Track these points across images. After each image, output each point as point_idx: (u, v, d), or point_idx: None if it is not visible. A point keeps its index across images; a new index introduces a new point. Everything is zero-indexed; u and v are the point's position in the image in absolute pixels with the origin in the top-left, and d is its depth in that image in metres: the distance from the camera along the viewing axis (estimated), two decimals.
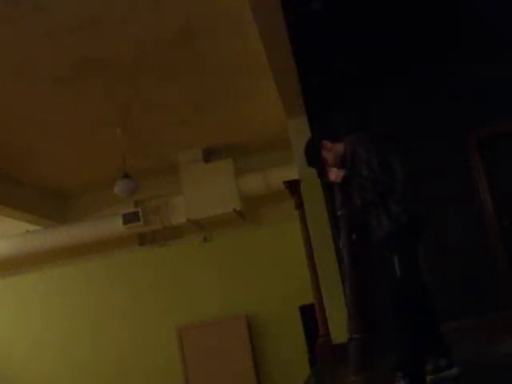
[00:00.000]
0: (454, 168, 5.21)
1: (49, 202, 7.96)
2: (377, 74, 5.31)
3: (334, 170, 3.21)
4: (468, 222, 5.11)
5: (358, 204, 3.10)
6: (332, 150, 3.25)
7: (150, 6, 4.31)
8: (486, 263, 5.04)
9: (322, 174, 3.33)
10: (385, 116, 5.23)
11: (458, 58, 5.25)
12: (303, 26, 4.75)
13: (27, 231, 7.74)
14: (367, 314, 3.17)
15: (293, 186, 5.43)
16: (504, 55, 5.20)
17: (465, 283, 4.88)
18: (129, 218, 7.32)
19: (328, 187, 5.30)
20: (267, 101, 5.88)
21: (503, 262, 5.10)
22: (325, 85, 5.32)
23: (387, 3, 5.06)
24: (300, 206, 5.39)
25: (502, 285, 5.03)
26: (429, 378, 2.92)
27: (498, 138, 5.27)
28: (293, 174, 5.64)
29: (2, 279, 8.08)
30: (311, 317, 5.58)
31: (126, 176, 6.53)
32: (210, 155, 7.53)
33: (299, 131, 5.51)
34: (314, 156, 3.30)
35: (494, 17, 5.20)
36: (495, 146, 5.30)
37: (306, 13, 4.78)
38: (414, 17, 5.17)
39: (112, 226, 7.47)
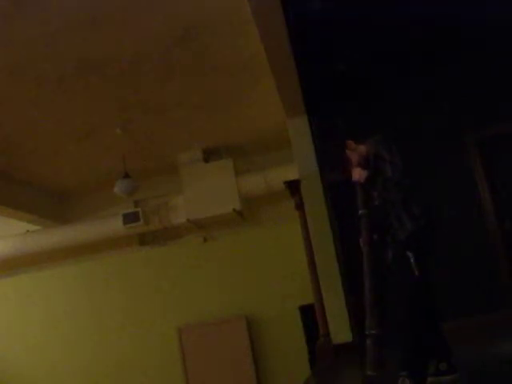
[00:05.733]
0: (454, 168, 5.22)
1: (49, 202, 7.96)
2: (377, 73, 5.31)
3: (358, 169, 3.24)
4: (468, 222, 5.11)
5: (377, 204, 3.14)
6: (356, 150, 3.27)
7: (150, 6, 4.31)
8: (486, 263, 5.05)
9: (345, 173, 3.36)
10: (385, 116, 5.23)
11: (458, 58, 5.25)
12: (303, 25, 4.74)
13: (27, 231, 7.74)
14: (384, 311, 3.20)
15: (293, 186, 5.43)
16: (504, 55, 5.20)
17: (465, 283, 4.89)
18: (129, 218, 7.32)
19: (330, 187, 5.32)
20: (267, 101, 5.87)
21: (503, 262, 5.10)
22: (325, 85, 5.32)
23: (387, 3, 5.05)
24: (300, 206, 5.39)
25: (502, 285, 5.03)
26: (429, 380, 2.92)
27: (498, 138, 5.27)
28: (293, 174, 5.64)
29: (2, 279, 8.08)
30: (311, 317, 5.58)
31: (126, 176, 6.54)
32: (209, 155, 7.52)
33: (299, 131, 5.52)
34: None
35: (494, 17, 5.19)
36: (495, 146, 5.31)
37: (306, 13, 4.77)
38: (413, 16, 5.16)
39: (112, 225, 7.47)
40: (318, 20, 4.85)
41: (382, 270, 3.22)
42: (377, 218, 3.21)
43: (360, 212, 3.29)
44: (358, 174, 3.24)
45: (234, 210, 7.19)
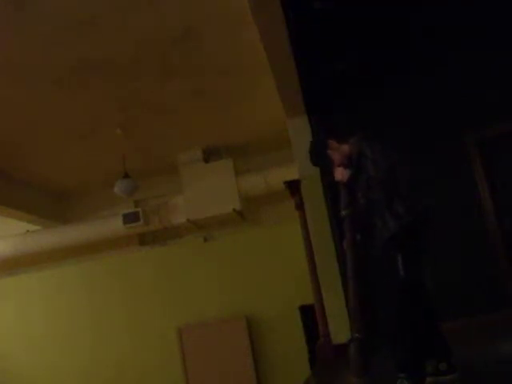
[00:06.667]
0: (454, 168, 5.21)
1: (49, 202, 7.96)
2: (377, 73, 5.31)
3: (340, 169, 3.20)
4: (468, 222, 5.10)
5: (361, 203, 3.10)
6: (338, 150, 3.25)
7: (149, 6, 4.31)
8: (486, 263, 5.04)
9: (328, 173, 3.32)
10: (385, 116, 5.23)
11: (457, 58, 5.25)
12: (303, 25, 4.74)
13: (27, 231, 7.74)
14: (370, 314, 3.17)
15: (293, 186, 5.43)
16: (504, 55, 5.19)
17: (465, 283, 4.88)
18: (129, 218, 7.32)
19: (330, 187, 5.31)
20: (267, 101, 5.87)
21: (503, 262, 5.10)
22: (325, 85, 5.32)
23: (387, 3, 5.05)
24: (300, 206, 5.39)
25: (503, 285, 5.02)
26: (428, 380, 2.92)
27: (498, 137, 5.26)
28: (293, 174, 5.64)
29: (2, 279, 8.08)
30: (311, 317, 5.58)
31: (126, 176, 6.54)
32: (209, 155, 7.53)
33: (299, 131, 5.51)
34: (318, 155, 3.28)
35: (494, 17, 5.20)
36: (495, 145, 5.30)
37: (306, 13, 4.77)
38: (413, 16, 5.16)
39: (112, 225, 7.47)
40: (317, 20, 4.85)
41: (367, 271, 3.19)
42: (360, 218, 3.16)
43: (342, 213, 3.25)
44: (341, 174, 3.20)
45: (234, 210, 7.20)
